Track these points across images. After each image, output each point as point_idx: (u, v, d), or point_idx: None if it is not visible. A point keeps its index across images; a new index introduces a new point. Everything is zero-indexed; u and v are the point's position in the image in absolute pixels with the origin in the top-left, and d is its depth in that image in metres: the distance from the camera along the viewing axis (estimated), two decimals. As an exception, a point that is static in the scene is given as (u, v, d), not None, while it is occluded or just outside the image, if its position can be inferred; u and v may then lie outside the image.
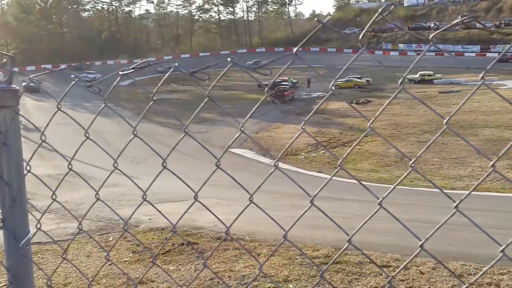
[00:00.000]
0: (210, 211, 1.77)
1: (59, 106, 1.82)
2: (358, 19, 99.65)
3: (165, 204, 12.47)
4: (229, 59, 1.73)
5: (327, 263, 7.05)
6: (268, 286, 6.19)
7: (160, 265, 7.12)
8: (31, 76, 1.86)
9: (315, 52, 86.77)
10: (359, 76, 59.67)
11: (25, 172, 1.85)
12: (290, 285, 6.30)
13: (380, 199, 1.53)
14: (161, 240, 9.04)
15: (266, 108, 43.21)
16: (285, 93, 50.64)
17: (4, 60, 1.86)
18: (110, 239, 9.33)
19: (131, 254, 7.99)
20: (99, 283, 6.55)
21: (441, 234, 1.20)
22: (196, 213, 10.54)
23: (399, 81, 1.34)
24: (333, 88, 1.54)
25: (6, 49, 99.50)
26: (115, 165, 1.90)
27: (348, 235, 1.58)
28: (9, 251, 1.78)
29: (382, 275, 6.44)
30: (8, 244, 1.78)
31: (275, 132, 36.33)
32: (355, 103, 44.77)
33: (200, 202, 1.74)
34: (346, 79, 57.09)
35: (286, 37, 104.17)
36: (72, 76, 1.83)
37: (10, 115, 1.73)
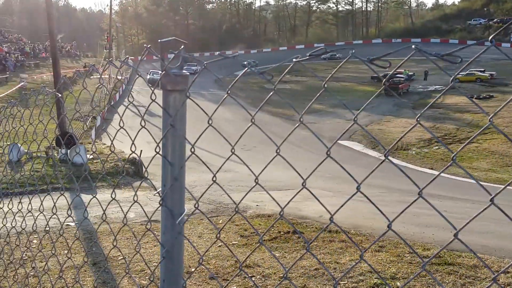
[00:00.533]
0: (316, 198, 1.77)
1: (187, 94, 1.90)
2: (485, 9, 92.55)
3: (272, 192, 12.69)
4: (293, 59, 1.72)
5: (439, 264, 6.74)
6: (375, 282, 6.07)
7: (266, 251, 7.29)
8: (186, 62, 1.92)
9: (435, 43, 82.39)
10: (482, 69, 55.62)
11: (190, 154, 1.91)
12: (398, 283, 6.12)
13: (493, 195, 1.44)
14: (268, 226, 9.24)
15: (378, 101, 41.99)
16: (400, 85, 48.76)
17: (182, 46, 1.97)
18: (220, 221, 9.73)
19: (239, 238, 8.27)
20: (209, 263, 6.88)
21: None
22: (302, 202, 10.60)
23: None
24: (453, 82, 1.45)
25: (136, 38, 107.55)
26: (233, 150, 1.96)
27: (456, 229, 1.50)
28: (166, 228, 1.88)
29: (499, 281, 6.02)
30: (165, 221, 1.88)
31: (386, 125, 35.22)
32: (475, 98, 41.90)
33: (307, 189, 1.76)
34: (467, 72, 53.52)
35: (405, 28, 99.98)
36: (244, 63, 1.86)
37: (181, 99, 1.82)
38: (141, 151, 14.89)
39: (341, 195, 12.35)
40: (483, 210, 1.28)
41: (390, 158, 1.50)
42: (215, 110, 2.17)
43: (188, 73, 1.85)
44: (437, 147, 27.33)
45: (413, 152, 27.51)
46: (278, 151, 1.80)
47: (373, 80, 58.02)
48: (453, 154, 1.30)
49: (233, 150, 1.95)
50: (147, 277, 6.27)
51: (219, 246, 7.64)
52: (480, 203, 13.38)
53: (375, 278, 6.13)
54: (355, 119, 1.56)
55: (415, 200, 1.45)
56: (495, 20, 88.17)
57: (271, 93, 1.80)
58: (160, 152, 1.85)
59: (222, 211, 10.75)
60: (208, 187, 2.45)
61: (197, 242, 8.03)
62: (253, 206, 10.91)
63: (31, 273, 5.84)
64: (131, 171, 15.13)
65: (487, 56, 64.35)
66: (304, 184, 1.76)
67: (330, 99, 38.76)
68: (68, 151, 13.66)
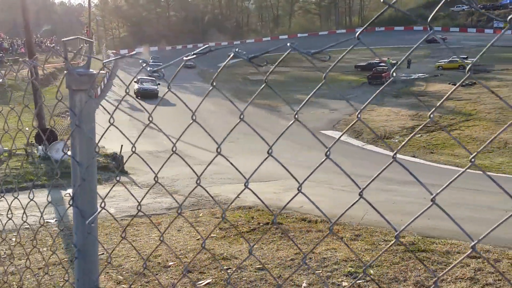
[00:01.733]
0: (314, 203, 1.82)
1: (169, 87, 1.89)
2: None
3: (253, 184, 12.77)
4: (288, 44, 1.73)
5: (412, 250, 6.87)
6: (349, 270, 6.18)
7: (244, 243, 7.37)
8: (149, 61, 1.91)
9: (418, 31, 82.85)
10: (465, 56, 56.17)
11: (95, 153, 1.94)
12: (371, 271, 6.24)
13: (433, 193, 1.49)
14: (248, 218, 9.31)
15: (361, 90, 42.22)
16: (383, 74, 49.07)
17: (82, 45, 2.00)
18: (200, 215, 9.77)
19: (218, 231, 8.33)
20: (186, 257, 6.93)
21: None
22: (283, 193, 10.69)
23: None
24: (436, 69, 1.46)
25: (117, 31, 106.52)
26: (219, 150, 1.92)
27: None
28: (77, 228, 1.89)
29: (469, 266, 6.17)
30: (76, 221, 1.89)
31: (369, 114, 35.45)
32: (453, 84, 42.31)
33: (303, 193, 1.74)
34: (450, 59, 54.02)
35: (388, 16, 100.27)
36: (140, 61, 1.88)
37: (85, 98, 1.83)
38: (122, 146, 14.81)
39: (323, 185, 12.47)
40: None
41: (372, 147, 1.53)
42: (199, 105, 2.17)
43: (94, 72, 1.86)
44: (419, 135, 27.61)
45: (396, 140, 27.77)
46: (270, 151, 1.79)
47: (356, 69, 58.33)
48: (471, 156, 1.29)
49: (219, 150, 1.93)
50: (124, 272, 6.31)
51: (197, 239, 7.71)
52: (458, 189, 13.62)
53: (349, 266, 6.24)
54: (359, 115, 1.52)
55: (429, 207, 1.39)
56: (479, 5, 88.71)
57: (263, 85, 1.77)
58: (69, 153, 1.87)
59: (204, 204, 10.79)
60: (193, 189, 2.44)
61: (176, 236, 8.07)
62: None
63: (9, 270, 5.85)
64: (111, 166, 15.09)
65: (471, 43, 64.93)
66: (299, 188, 1.77)
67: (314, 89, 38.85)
68: (48, 147, 13.58)
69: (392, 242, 1.49)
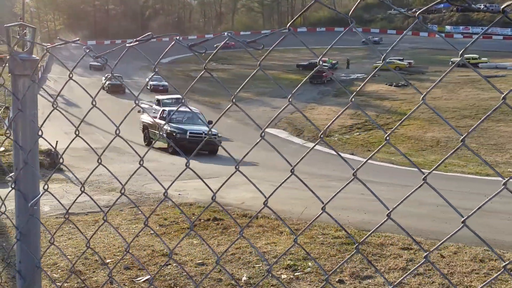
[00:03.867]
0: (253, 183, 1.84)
1: (71, 75, 1.89)
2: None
3: (195, 182, 12.71)
4: (225, 33, 1.77)
5: (348, 243, 7.09)
6: (288, 263, 6.29)
7: (185, 239, 7.33)
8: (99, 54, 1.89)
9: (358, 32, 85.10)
10: (401, 58, 58.39)
11: (38, 137, 1.93)
12: (309, 263, 6.39)
13: (355, 170, 1.57)
14: (189, 215, 9.27)
15: (302, 88, 42.95)
16: (324, 74, 50.13)
17: (25, 31, 1.94)
18: (140, 212, 9.62)
19: (157, 227, 8.24)
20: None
21: (469, 220, 1.23)
22: (224, 190, 10.72)
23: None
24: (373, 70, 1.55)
25: (53, 24, 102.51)
26: (117, 132, 1.97)
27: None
28: (19, 210, 1.91)
29: (402, 257, 6.45)
30: (18, 203, 1.91)
31: (310, 112, 36.18)
32: (394, 86, 43.94)
33: (268, 207, 1.78)
34: (387, 61, 55.89)
35: (329, 17, 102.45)
36: (84, 47, 1.86)
37: (28, 83, 1.83)
38: (57, 142, 14.34)
39: (265, 182, 12.60)
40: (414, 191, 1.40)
41: (312, 145, 1.58)
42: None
43: (37, 58, 1.86)
44: (357, 133, 28.47)
45: (336, 138, 28.49)
46: (237, 167, 1.80)
47: (298, 68, 59.26)
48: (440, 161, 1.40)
49: (117, 132, 1.92)
50: (59, 270, 6.13)
51: (137, 236, 7.58)
52: (394, 185, 14.16)
53: (288, 259, 6.36)
54: (290, 99, 1.56)
55: (288, 177, 1.48)
56: (413, 10, 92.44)
57: (258, 69, 1.79)
58: (11, 137, 1.85)
59: (144, 201, 10.64)
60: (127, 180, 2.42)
61: (114, 233, 7.91)
62: (175, 195, 10.89)
63: None
64: (46, 163, 14.54)
65: (406, 45, 67.51)
66: (265, 203, 1.80)
67: (256, 88, 39.19)
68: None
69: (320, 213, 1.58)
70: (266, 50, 1.72)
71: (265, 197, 2.01)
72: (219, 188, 2.47)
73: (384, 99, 39.34)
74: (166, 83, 36.79)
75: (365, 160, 1.60)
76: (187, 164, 2.09)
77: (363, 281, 5.76)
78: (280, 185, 2.02)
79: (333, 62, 58.74)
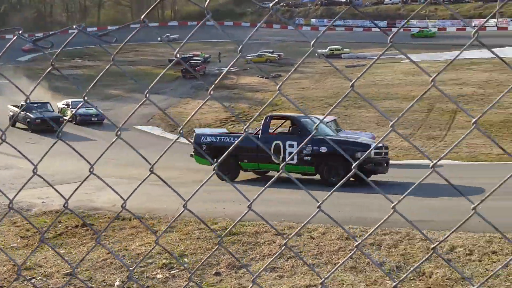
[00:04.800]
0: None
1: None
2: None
3: (60, 186, 11.91)
4: (75, 26, 1.67)
5: (227, 236, 7.09)
6: (163, 262, 6.12)
7: (49, 250, 6.79)
8: None
9: (229, 26, 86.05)
10: (271, 50, 60.25)
11: None
12: (186, 259, 6.29)
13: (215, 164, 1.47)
14: (54, 223, 8.62)
15: (176, 83, 42.51)
16: (197, 68, 50.02)
17: None
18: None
19: (19, 240, 7.56)
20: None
21: (331, 201, 1.25)
22: (94, 193, 10.19)
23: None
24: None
25: None
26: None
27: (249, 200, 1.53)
28: None
29: (275, 243, 6.60)
30: None
31: (184, 108, 35.90)
32: (265, 78, 45.28)
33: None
34: (258, 53, 57.46)
35: (200, 11, 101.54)
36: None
37: None
38: None
39: (137, 181, 12.17)
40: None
41: (186, 140, 1.45)
42: None
43: None
44: (232, 126, 28.88)
45: (210, 131, 28.72)
46: (91, 170, 1.59)
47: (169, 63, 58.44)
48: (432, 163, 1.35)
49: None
50: None
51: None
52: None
53: (164, 258, 6.18)
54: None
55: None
56: (281, 3, 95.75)
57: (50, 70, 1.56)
58: None
59: (2, 213, 9.68)
60: None
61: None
62: (39, 203, 10.06)
63: None
64: None
65: (275, 38, 69.84)
66: (124, 205, 1.63)
67: (127, 84, 37.96)
68: None
69: (182, 211, 1.49)
70: (132, 45, 1.64)
71: (123, 199, 1.98)
72: (70, 196, 2.26)
73: (256, 91, 40.37)
74: (99, 112, 24.74)
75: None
76: (35, 171, 2.00)
77: (239, 271, 5.80)
78: (139, 185, 1.90)
79: (206, 56, 58.91)
